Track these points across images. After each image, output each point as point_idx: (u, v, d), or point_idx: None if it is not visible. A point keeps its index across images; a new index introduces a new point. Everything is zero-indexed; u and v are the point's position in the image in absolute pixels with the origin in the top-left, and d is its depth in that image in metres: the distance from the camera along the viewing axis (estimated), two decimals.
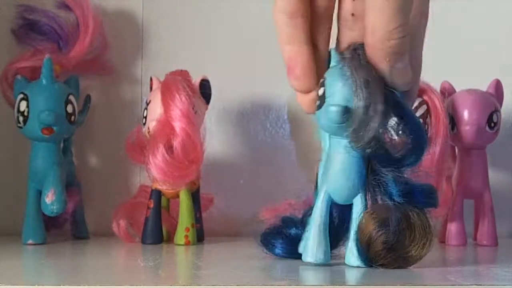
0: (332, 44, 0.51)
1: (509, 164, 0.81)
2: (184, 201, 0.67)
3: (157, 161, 0.63)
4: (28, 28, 0.75)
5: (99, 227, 0.75)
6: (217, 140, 0.76)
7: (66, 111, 0.67)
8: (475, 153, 0.72)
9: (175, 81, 0.66)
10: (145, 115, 0.68)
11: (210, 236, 0.72)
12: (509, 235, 0.80)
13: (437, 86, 0.72)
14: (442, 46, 0.81)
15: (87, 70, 0.76)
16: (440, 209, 0.69)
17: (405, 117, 0.48)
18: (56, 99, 0.67)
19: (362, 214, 0.49)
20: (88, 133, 0.78)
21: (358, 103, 0.46)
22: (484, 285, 0.42)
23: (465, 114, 0.71)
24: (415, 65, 0.50)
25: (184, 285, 0.41)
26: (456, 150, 0.74)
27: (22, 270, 0.51)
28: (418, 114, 0.68)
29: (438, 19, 0.81)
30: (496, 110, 0.71)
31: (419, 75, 0.52)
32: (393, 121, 0.47)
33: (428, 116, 0.69)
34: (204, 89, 0.69)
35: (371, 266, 0.49)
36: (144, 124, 0.68)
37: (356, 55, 0.48)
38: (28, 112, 0.66)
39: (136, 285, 0.41)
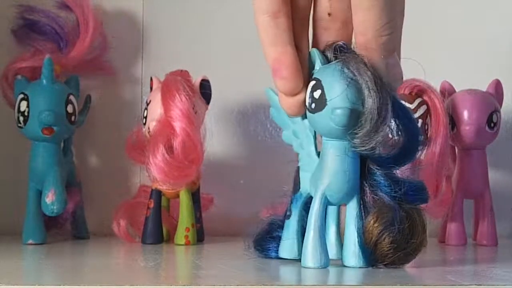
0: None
1: (509, 164, 0.81)
2: (184, 201, 0.67)
3: (157, 161, 0.63)
4: (28, 28, 0.75)
5: (99, 227, 0.75)
6: (217, 140, 0.76)
7: (66, 111, 0.67)
8: (475, 153, 0.72)
9: (175, 81, 0.66)
10: (145, 115, 0.68)
11: (210, 236, 0.72)
12: (509, 235, 0.80)
13: (437, 86, 0.72)
14: (442, 46, 0.81)
15: (87, 70, 0.76)
16: (440, 209, 0.69)
17: (402, 114, 0.48)
18: (56, 99, 0.67)
19: (368, 216, 0.49)
20: (88, 133, 0.78)
21: (371, 105, 0.46)
22: (484, 285, 0.42)
23: (465, 114, 0.71)
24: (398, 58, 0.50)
25: (184, 285, 0.41)
26: (456, 150, 0.74)
27: (22, 270, 0.51)
28: (418, 114, 0.69)
29: (438, 19, 0.82)
30: (496, 110, 0.71)
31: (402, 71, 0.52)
32: (393, 121, 0.47)
33: (428, 116, 0.69)
34: (204, 89, 0.69)
35: (373, 266, 0.49)
36: (144, 124, 0.68)
37: (356, 55, 0.47)
38: (28, 112, 0.66)
39: (136, 285, 0.41)
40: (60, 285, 0.40)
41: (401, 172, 0.50)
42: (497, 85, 0.73)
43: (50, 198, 0.65)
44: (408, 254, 0.49)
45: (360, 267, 0.49)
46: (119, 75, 0.79)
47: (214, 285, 0.41)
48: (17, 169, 0.76)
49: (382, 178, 0.49)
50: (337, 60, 0.48)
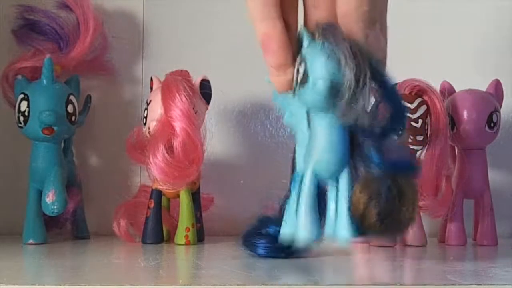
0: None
1: (509, 164, 0.81)
2: (185, 201, 0.67)
3: (157, 161, 0.63)
4: (29, 29, 0.75)
5: (99, 227, 0.75)
6: (217, 140, 0.76)
7: (67, 111, 0.67)
8: (475, 153, 0.72)
9: (176, 81, 0.66)
10: (145, 115, 0.68)
11: (210, 236, 0.72)
12: (509, 235, 0.80)
13: (437, 86, 0.72)
14: (442, 46, 0.81)
15: (87, 70, 0.76)
16: (440, 209, 0.70)
17: (385, 86, 0.48)
18: (56, 99, 0.67)
19: (353, 188, 0.49)
20: (88, 133, 0.78)
21: (349, 75, 0.46)
22: (483, 285, 0.42)
23: (465, 114, 0.71)
24: (384, 33, 0.50)
25: (184, 285, 0.41)
26: (456, 150, 0.74)
27: (22, 270, 0.51)
28: (418, 114, 0.69)
29: (438, 19, 0.82)
30: (496, 110, 0.71)
31: (386, 42, 0.52)
32: (375, 89, 0.48)
33: (428, 116, 0.69)
34: (204, 89, 0.69)
35: (364, 236, 0.49)
36: (145, 124, 0.68)
37: (335, 29, 0.48)
38: (28, 112, 0.66)
39: (136, 285, 0.41)
40: (60, 285, 0.40)
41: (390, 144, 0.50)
42: (497, 85, 0.73)
43: (50, 198, 0.65)
44: (398, 223, 0.48)
45: (351, 238, 0.48)
46: (119, 75, 0.79)
47: (214, 285, 0.41)
48: (17, 169, 0.76)
49: (370, 149, 0.49)
50: (320, 36, 0.49)
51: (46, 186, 0.66)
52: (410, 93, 0.69)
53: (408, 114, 0.68)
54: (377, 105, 0.48)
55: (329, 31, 0.48)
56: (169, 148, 0.64)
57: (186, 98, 0.65)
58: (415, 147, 0.69)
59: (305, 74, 0.48)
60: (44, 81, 0.67)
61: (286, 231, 0.52)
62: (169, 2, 0.80)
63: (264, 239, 0.54)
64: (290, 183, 0.53)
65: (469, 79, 0.74)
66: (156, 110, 0.66)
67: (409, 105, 0.68)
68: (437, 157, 0.68)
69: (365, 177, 0.49)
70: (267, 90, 0.80)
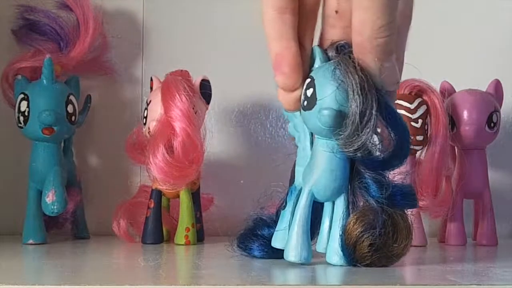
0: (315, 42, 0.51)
1: (509, 164, 0.81)
2: (185, 201, 0.67)
3: (157, 161, 0.63)
4: (29, 29, 0.75)
5: (99, 227, 0.75)
6: (217, 140, 0.76)
7: (67, 111, 0.67)
8: (475, 153, 0.72)
9: (176, 81, 0.66)
10: (145, 115, 0.68)
11: (210, 236, 0.72)
12: (509, 235, 0.80)
13: (437, 86, 0.72)
14: (442, 46, 0.81)
15: (87, 70, 0.76)
16: (440, 209, 0.70)
17: (392, 119, 0.48)
18: (56, 99, 0.67)
19: (350, 216, 0.49)
20: (88, 133, 0.78)
21: (354, 109, 0.46)
22: (483, 285, 0.42)
23: (465, 114, 0.71)
24: (399, 65, 0.50)
25: (184, 285, 0.41)
26: (456, 150, 0.74)
27: (22, 270, 0.51)
28: (418, 114, 0.69)
29: (438, 19, 0.82)
30: (496, 110, 0.71)
31: (401, 76, 0.52)
32: (381, 125, 0.48)
33: (428, 116, 0.69)
34: (204, 89, 0.69)
35: (355, 266, 0.49)
36: (145, 124, 0.68)
37: (348, 56, 0.48)
38: (28, 112, 0.66)
39: (136, 285, 0.41)
40: (60, 285, 0.40)
41: (392, 176, 0.50)
42: (497, 85, 0.73)
43: (50, 198, 0.65)
44: (389, 258, 0.49)
45: (341, 265, 0.49)
46: (119, 75, 0.79)
47: (214, 285, 0.41)
48: (17, 169, 0.76)
49: (370, 180, 0.49)
50: (332, 61, 0.49)
51: (46, 186, 0.66)
52: (410, 93, 0.69)
53: (408, 114, 0.68)
54: (381, 138, 0.48)
55: (342, 57, 0.48)
56: (169, 148, 0.64)
57: (186, 98, 0.65)
58: (415, 147, 0.69)
59: (313, 99, 0.48)
60: (44, 81, 0.67)
61: (276, 245, 0.52)
62: (169, 2, 0.80)
63: (258, 241, 0.54)
64: (287, 194, 0.53)
65: (469, 79, 0.74)
66: (156, 110, 0.66)
67: (409, 105, 0.68)
68: (437, 157, 0.68)
69: (362, 209, 0.49)
70: (267, 90, 0.81)
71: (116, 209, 0.69)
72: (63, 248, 0.65)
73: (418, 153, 0.70)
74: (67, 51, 0.73)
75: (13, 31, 0.76)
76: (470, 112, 0.71)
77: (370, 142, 0.47)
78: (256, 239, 0.54)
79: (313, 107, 0.48)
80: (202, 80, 0.69)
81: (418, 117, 0.68)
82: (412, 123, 0.68)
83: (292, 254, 0.50)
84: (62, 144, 0.71)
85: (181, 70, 0.70)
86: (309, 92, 0.49)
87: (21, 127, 0.67)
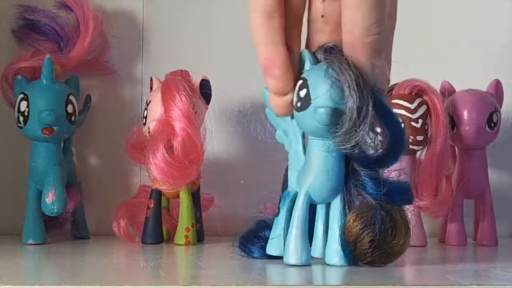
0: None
1: (509, 164, 0.81)
2: (184, 201, 0.67)
3: (157, 161, 0.63)
4: (29, 28, 0.75)
5: (99, 227, 0.75)
6: (217, 140, 0.76)
7: (66, 111, 0.67)
8: (475, 153, 0.72)
9: (176, 81, 0.66)
10: (145, 115, 0.68)
11: (210, 236, 0.72)
12: (509, 235, 0.80)
13: (437, 86, 0.72)
14: (442, 46, 0.81)
15: (87, 70, 0.76)
16: (440, 209, 0.70)
17: (386, 116, 0.48)
18: (56, 99, 0.67)
19: (346, 215, 0.49)
20: (88, 133, 0.78)
21: (351, 105, 0.46)
22: (484, 285, 0.42)
23: (465, 114, 0.71)
24: (388, 61, 0.50)
25: (184, 285, 0.41)
26: (456, 150, 0.74)
27: (22, 270, 0.51)
28: (418, 114, 0.69)
29: (438, 19, 0.82)
30: (496, 110, 0.71)
31: (389, 74, 0.52)
32: (376, 122, 0.48)
33: (428, 116, 0.69)
34: (204, 89, 0.69)
35: (355, 265, 0.49)
36: (144, 124, 0.68)
37: (340, 55, 0.48)
38: (28, 112, 0.66)
39: (136, 285, 0.41)
40: (60, 285, 0.40)
41: (387, 173, 0.50)
42: (497, 85, 0.73)
43: (50, 198, 0.65)
44: (389, 254, 0.49)
45: (341, 266, 0.49)
46: (119, 75, 0.79)
47: (214, 285, 0.41)
48: (17, 169, 0.76)
49: (366, 178, 0.49)
50: (324, 61, 0.49)
51: (46, 186, 0.66)
52: (410, 93, 0.69)
53: (408, 114, 0.68)
54: (376, 135, 0.48)
55: (334, 56, 0.48)
56: (169, 148, 0.64)
57: (186, 98, 0.65)
58: (415, 147, 0.69)
59: (307, 99, 0.48)
60: (44, 81, 0.67)
61: (272, 252, 0.52)
62: (169, 2, 0.80)
63: (260, 242, 0.54)
64: (280, 201, 0.53)
65: (469, 79, 0.74)
66: (156, 110, 0.66)
67: (409, 105, 0.68)
68: (437, 157, 0.68)
69: (360, 206, 0.49)
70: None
71: (116, 209, 0.69)
72: (63, 248, 0.65)
73: (418, 153, 0.70)
74: (67, 51, 0.73)
75: (13, 31, 0.76)
76: (470, 112, 0.71)
77: (367, 137, 0.47)
78: (257, 240, 0.54)
79: (307, 107, 0.48)
80: (202, 80, 0.69)
81: (418, 117, 0.68)
82: (412, 123, 0.68)
83: (292, 258, 0.49)
84: (62, 144, 0.71)
85: (181, 70, 0.70)
86: (303, 93, 0.49)
87: (21, 127, 0.67)
